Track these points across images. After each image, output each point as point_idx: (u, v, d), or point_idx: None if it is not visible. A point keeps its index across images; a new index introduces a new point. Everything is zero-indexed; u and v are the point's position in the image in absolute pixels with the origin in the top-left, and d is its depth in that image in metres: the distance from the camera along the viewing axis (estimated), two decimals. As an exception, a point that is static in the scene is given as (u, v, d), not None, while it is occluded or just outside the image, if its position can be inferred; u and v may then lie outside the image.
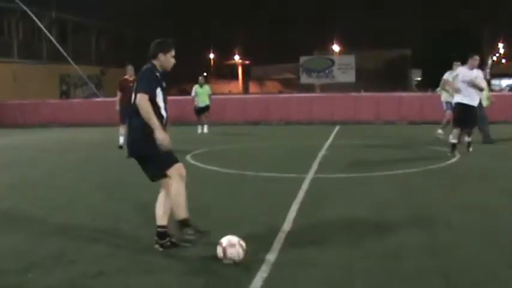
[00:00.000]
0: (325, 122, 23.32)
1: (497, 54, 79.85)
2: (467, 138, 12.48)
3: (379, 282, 4.66)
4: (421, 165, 10.91)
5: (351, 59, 63.18)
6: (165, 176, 5.53)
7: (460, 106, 11.95)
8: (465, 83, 11.81)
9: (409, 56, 72.05)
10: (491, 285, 4.58)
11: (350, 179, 9.67)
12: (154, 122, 5.30)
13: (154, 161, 5.50)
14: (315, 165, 11.04)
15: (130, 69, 14.94)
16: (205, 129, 19.57)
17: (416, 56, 68.68)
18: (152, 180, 5.68)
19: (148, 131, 5.34)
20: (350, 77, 61.34)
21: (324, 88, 58.48)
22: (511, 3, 60.27)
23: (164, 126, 5.56)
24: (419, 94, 30.47)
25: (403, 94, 27.01)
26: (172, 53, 5.65)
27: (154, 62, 5.60)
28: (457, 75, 12.06)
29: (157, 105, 5.48)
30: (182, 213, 5.49)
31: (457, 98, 12.01)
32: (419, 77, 71.92)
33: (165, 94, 5.62)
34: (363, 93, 29.58)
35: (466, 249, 5.48)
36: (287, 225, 6.38)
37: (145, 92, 5.35)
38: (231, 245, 5.03)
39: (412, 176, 9.89)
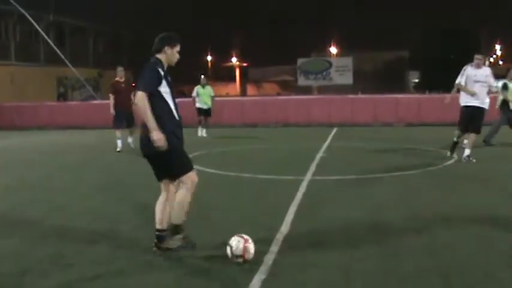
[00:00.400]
0: (322, 124, 23.33)
1: (494, 56, 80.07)
2: (467, 151, 11.65)
3: (378, 283, 4.66)
4: (419, 166, 10.92)
5: (348, 61, 63.23)
6: (174, 179, 5.50)
7: (468, 108, 11.48)
8: (479, 83, 11.38)
9: (407, 57, 72.14)
10: (490, 285, 4.58)
11: (348, 181, 9.67)
12: (151, 122, 5.16)
13: (169, 162, 5.39)
14: (312, 167, 11.04)
15: (120, 70, 14.91)
16: (204, 133, 19.33)
17: (415, 56, 68.70)
18: (159, 180, 5.56)
19: (166, 126, 5.26)
20: (347, 79, 61.39)
21: (322, 90, 58.56)
22: (511, 3, 60.36)
23: (179, 128, 5.45)
24: (416, 96, 30.51)
25: (401, 96, 27.02)
26: (178, 47, 5.54)
27: (159, 56, 5.47)
28: (467, 76, 11.54)
29: (167, 104, 5.36)
30: (180, 219, 5.46)
31: (467, 100, 11.54)
32: (417, 78, 72.00)
33: (173, 91, 5.45)
34: (360, 95, 29.59)
35: (465, 250, 5.48)
36: (285, 227, 6.38)
37: (144, 90, 5.20)
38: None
39: (411, 178, 9.89)
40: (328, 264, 5.10)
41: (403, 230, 6.26)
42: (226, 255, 5.18)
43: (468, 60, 11.92)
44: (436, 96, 27.53)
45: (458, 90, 11.91)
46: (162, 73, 5.33)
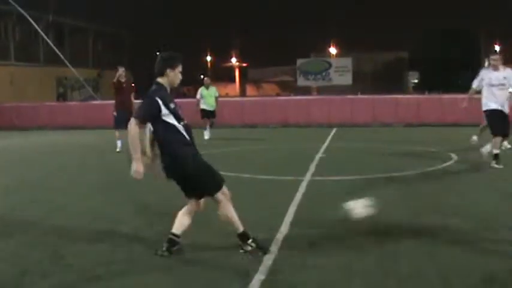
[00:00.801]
0: (322, 125, 23.33)
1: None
2: (489, 147, 10.94)
3: (377, 283, 4.67)
4: (418, 167, 10.92)
5: (347, 62, 63.23)
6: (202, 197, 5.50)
7: (495, 112, 10.68)
8: (495, 87, 10.62)
9: (406, 58, 72.21)
10: (491, 286, 4.58)
11: (347, 182, 9.67)
12: (136, 151, 5.15)
13: (196, 184, 5.38)
14: (312, 168, 11.05)
15: (122, 71, 14.96)
16: (207, 135, 18.63)
17: (415, 57, 68.78)
18: (188, 198, 5.53)
19: (178, 151, 5.27)
20: (347, 79, 61.39)
21: (321, 90, 58.57)
22: (511, 3, 60.23)
23: (192, 145, 5.38)
24: (416, 96, 30.53)
25: (400, 96, 27.04)
26: (180, 67, 5.43)
27: (161, 80, 5.37)
28: (482, 79, 10.95)
29: (173, 127, 5.28)
30: (238, 228, 5.48)
31: (492, 104, 10.69)
32: (416, 79, 72.05)
33: (177, 112, 5.34)
34: (360, 96, 29.59)
35: (465, 250, 5.49)
36: (285, 228, 6.39)
37: (136, 117, 5.17)
38: None
39: (410, 178, 9.89)
40: (328, 265, 5.11)
41: (402, 231, 6.27)
42: (226, 255, 5.20)
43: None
44: (435, 96, 27.56)
45: (478, 92, 11.46)
46: (160, 102, 5.22)
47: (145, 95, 5.39)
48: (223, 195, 5.40)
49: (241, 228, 5.49)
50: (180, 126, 5.33)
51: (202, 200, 5.56)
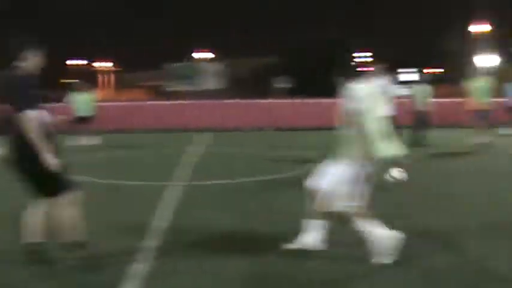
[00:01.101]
0: (194, 129, 23.30)
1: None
2: None
3: None
4: (285, 171, 11.25)
5: (219, 66, 63.87)
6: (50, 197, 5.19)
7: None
8: None
9: (280, 63, 73.83)
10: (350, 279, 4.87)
11: (218, 186, 9.81)
12: (42, 145, 4.85)
13: (43, 182, 5.05)
14: (183, 173, 11.09)
15: None
16: (85, 141, 17.91)
17: (288, 62, 70.57)
18: (37, 197, 5.20)
19: (28, 146, 4.89)
20: (219, 84, 61.91)
21: (193, 95, 58.62)
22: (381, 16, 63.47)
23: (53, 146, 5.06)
24: (287, 101, 31.29)
25: (271, 101, 27.67)
26: (41, 53, 5.09)
27: (21, 65, 4.98)
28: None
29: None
30: (75, 235, 5.28)
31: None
32: (289, 84, 73.84)
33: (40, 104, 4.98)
34: (231, 100, 29.95)
35: (324, 255, 5.65)
36: (156, 234, 6.40)
37: (32, 108, 4.79)
38: None
39: (277, 182, 10.20)
40: (199, 271, 5.21)
41: (269, 235, 6.44)
42: (91, 264, 5.19)
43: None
44: (308, 101, 28.35)
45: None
46: (34, 86, 4.95)
47: (13, 82, 4.99)
48: (66, 199, 5.16)
49: (76, 237, 5.26)
50: (42, 119, 5.00)
51: (56, 202, 5.18)
